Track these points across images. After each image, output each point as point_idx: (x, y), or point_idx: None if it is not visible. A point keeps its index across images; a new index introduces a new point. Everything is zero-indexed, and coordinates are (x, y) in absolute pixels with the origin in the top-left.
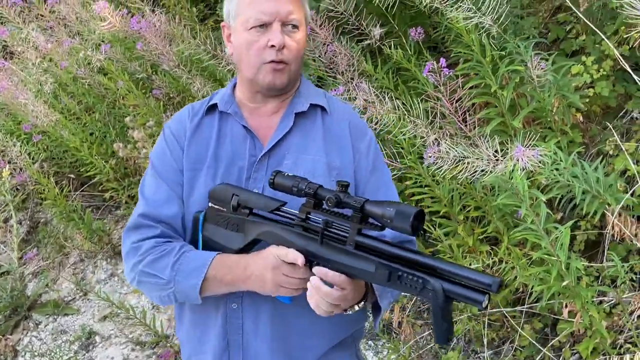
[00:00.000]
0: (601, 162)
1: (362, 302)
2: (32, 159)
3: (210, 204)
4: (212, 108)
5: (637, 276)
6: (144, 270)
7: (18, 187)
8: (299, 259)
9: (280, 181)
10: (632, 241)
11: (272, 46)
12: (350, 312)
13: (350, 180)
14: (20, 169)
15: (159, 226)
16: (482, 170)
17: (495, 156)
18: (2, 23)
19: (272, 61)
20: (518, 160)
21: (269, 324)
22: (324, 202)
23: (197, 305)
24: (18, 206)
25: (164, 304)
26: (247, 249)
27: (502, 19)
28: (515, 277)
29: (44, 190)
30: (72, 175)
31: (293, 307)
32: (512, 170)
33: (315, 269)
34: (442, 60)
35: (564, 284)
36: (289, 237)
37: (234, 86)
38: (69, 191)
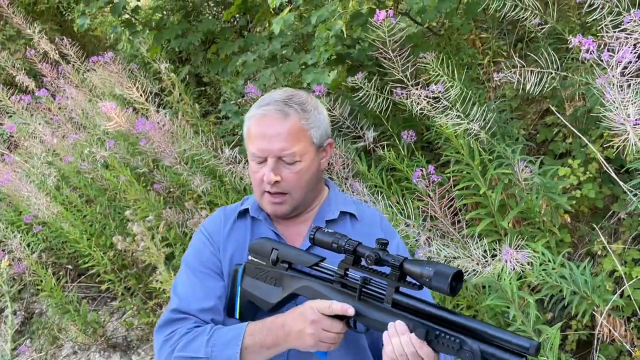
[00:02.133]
0: (590, 262)
1: None
2: (31, 249)
3: (250, 257)
4: (244, 212)
5: None
6: (177, 356)
7: (15, 277)
8: (350, 309)
9: (320, 237)
10: (622, 342)
11: None
12: None
13: None
14: (19, 260)
15: (193, 318)
16: (474, 270)
17: (484, 257)
18: (10, 116)
19: (269, 192)
20: (506, 262)
21: None
22: (363, 259)
23: None
24: (14, 297)
25: None
26: (284, 302)
27: (490, 123)
28: None
29: (40, 281)
30: (70, 266)
31: None
32: (502, 271)
33: (413, 337)
34: (431, 167)
35: None
36: (327, 292)
37: None
38: (66, 282)
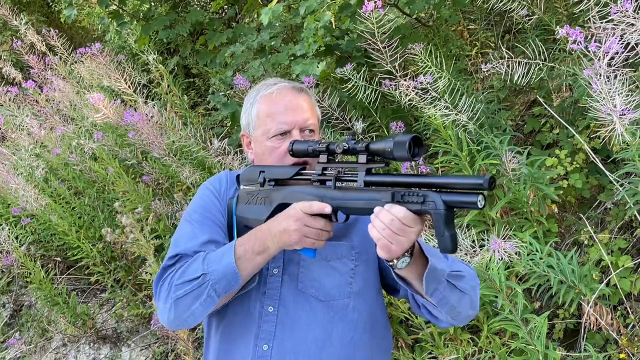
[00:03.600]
0: (577, 252)
1: (410, 256)
2: (20, 241)
3: (241, 187)
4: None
5: None
6: (177, 284)
7: (3, 269)
8: (327, 207)
9: (297, 147)
10: (608, 331)
11: None
12: (398, 265)
13: (372, 256)
14: (8, 252)
15: (189, 257)
16: (462, 260)
17: (473, 247)
18: None
19: (294, 164)
20: (494, 252)
21: None
22: (335, 153)
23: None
24: (2, 289)
25: (208, 310)
26: (273, 215)
27: (478, 114)
28: None
29: (29, 273)
30: (59, 259)
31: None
32: (490, 261)
33: (387, 206)
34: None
35: None
36: (308, 191)
37: None
38: (55, 274)
